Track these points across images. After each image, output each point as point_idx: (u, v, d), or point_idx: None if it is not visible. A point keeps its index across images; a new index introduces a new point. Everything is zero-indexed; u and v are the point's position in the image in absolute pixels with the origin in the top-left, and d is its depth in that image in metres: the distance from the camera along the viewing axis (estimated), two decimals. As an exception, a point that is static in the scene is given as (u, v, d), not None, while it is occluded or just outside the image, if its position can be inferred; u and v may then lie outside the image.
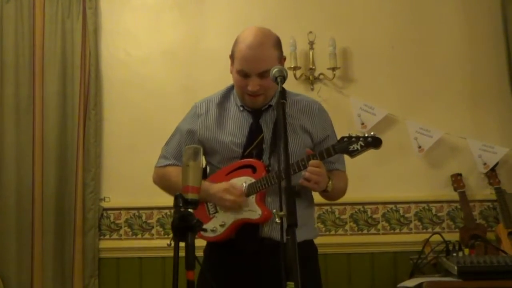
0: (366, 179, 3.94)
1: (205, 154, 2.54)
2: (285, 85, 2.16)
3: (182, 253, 1.74)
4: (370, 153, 4.03)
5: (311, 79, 4.01)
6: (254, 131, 2.43)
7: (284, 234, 1.78)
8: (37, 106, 4.01)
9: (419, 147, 3.90)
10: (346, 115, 3.96)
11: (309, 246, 2.48)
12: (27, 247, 3.93)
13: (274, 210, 1.83)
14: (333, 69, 3.94)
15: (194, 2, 4.16)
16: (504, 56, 3.92)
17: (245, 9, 4.11)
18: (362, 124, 3.93)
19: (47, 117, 4.00)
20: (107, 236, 4.04)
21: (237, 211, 2.37)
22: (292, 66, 3.89)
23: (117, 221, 4.06)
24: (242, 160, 2.41)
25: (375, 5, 4.08)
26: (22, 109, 4.01)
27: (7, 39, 4.04)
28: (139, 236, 4.04)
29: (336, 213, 3.97)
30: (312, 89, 4.02)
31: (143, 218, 4.04)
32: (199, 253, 2.32)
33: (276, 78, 2.16)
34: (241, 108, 2.47)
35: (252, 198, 2.37)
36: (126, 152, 4.07)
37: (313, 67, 4.00)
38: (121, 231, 4.05)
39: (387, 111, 3.94)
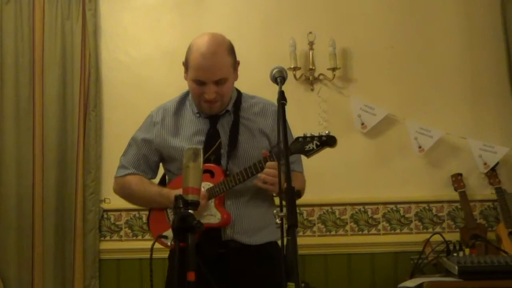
0: (366, 180, 3.94)
1: (162, 161, 2.56)
2: (285, 86, 2.14)
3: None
4: (370, 153, 4.06)
5: (311, 79, 4.01)
6: (211, 137, 2.44)
7: (284, 234, 1.78)
8: (37, 107, 4.01)
9: (419, 147, 3.90)
10: (346, 115, 3.96)
11: (273, 247, 2.47)
12: (27, 249, 3.93)
13: (275, 211, 1.82)
14: (333, 69, 3.94)
15: (193, 3, 4.16)
16: (504, 55, 3.92)
17: (245, 10, 4.11)
18: (362, 124, 3.93)
19: (47, 118, 4.00)
20: (108, 238, 4.04)
21: (197, 216, 2.37)
22: (292, 67, 3.89)
23: (118, 222, 4.06)
24: None
25: (375, 5, 4.08)
26: (22, 111, 4.01)
27: (7, 40, 4.04)
28: (140, 237, 4.04)
29: (337, 213, 3.97)
30: (312, 90, 4.02)
31: (144, 219, 4.03)
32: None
33: (276, 78, 2.16)
34: (198, 115, 2.49)
35: (211, 202, 2.39)
36: None
37: (313, 68, 4.00)
38: (122, 232, 4.05)
39: (387, 111, 3.94)
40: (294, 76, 3.95)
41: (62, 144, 4.00)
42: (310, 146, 2.30)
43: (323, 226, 3.96)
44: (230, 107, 2.48)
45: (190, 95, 2.52)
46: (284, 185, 1.84)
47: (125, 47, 4.16)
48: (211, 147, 2.42)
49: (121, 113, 4.09)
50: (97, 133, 4.04)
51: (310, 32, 3.99)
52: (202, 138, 2.45)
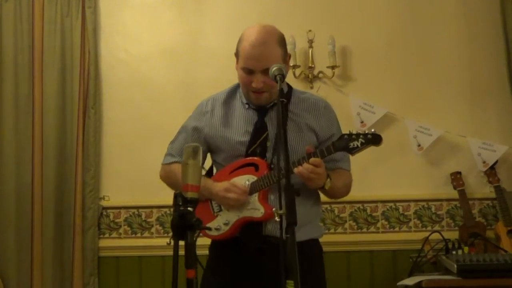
0: (366, 178, 3.93)
1: (210, 151, 2.55)
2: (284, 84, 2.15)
3: (181, 252, 1.74)
4: (370, 151, 4.03)
5: (310, 77, 4.01)
6: (259, 129, 2.43)
7: (284, 232, 1.78)
8: (36, 105, 4.01)
9: (419, 145, 3.90)
10: (346, 113, 3.94)
11: (313, 245, 2.47)
12: (26, 246, 3.93)
13: (274, 209, 1.82)
14: (333, 67, 3.94)
15: (193, 1, 4.16)
16: (503, 54, 3.91)
17: (244, 7, 4.10)
18: (362, 122, 3.93)
19: (47, 116, 4.00)
20: (107, 235, 4.04)
21: (240, 209, 2.38)
22: (291, 65, 3.88)
23: (117, 220, 4.06)
24: (245, 159, 2.42)
25: (374, 3, 4.08)
26: (22, 108, 4.01)
27: (6, 38, 4.04)
28: (139, 234, 4.04)
29: (336, 211, 3.97)
30: (312, 88, 4.01)
31: (143, 216, 4.04)
32: (202, 251, 2.33)
33: (275, 76, 2.17)
34: (247, 106, 2.47)
35: (255, 196, 2.37)
36: (126, 150, 4.07)
37: (313, 66, 4.00)
38: (121, 230, 4.05)
39: (386, 109, 3.94)
40: (294, 74, 3.95)
41: (61, 141, 4.00)
42: (355, 143, 2.28)
43: (322, 224, 3.96)
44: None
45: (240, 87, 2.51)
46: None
47: (125, 45, 4.15)
48: (258, 139, 2.42)
49: (121, 111, 4.10)
50: (96, 130, 4.04)
51: (310, 30, 3.99)
52: (250, 129, 2.44)
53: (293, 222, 1.75)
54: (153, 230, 4.04)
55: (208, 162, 2.59)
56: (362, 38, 4.05)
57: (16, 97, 4.01)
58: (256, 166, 2.39)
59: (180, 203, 1.79)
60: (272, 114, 2.45)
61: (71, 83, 4.02)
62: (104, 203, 4.05)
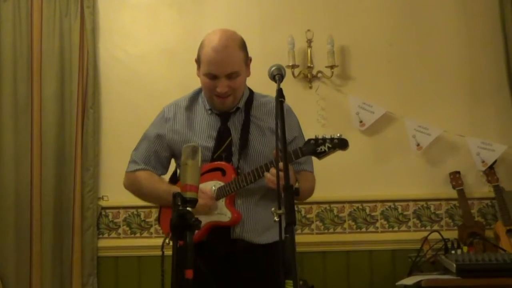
0: (365, 177, 3.94)
1: (174, 157, 2.56)
2: (283, 84, 2.15)
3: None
4: (369, 151, 4.07)
5: (309, 77, 4.01)
6: (223, 134, 2.45)
7: (282, 232, 1.78)
8: (35, 105, 4.01)
9: (418, 145, 3.90)
10: (345, 113, 3.96)
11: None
12: (25, 246, 3.93)
13: (273, 209, 1.82)
14: (332, 67, 3.93)
15: (191, 1, 4.15)
16: (502, 53, 3.91)
17: (243, 7, 4.10)
18: (361, 122, 3.93)
19: (45, 116, 4.00)
20: (106, 235, 4.04)
21: (207, 214, 2.38)
22: (290, 64, 3.89)
23: (116, 220, 4.05)
24: (212, 163, 2.43)
25: (373, 3, 4.08)
26: (20, 108, 4.00)
27: (5, 38, 4.03)
28: (138, 234, 4.04)
29: (335, 211, 3.97)
30: (311, 87, 4.01)
31: (142, 216, 4.04)
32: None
33: (274, 76, 2.17)
34: (209, 112, 2.49)
35: (222, 202, 2.40)
36: (125, 150, 4.00)
37: (311, 65, 4.00)
38: (120, 230, 4.05)
39: (385, 109, 3.94)
40: (293, 73, 3.95)
41: (60, 141, 3.99)
42: (322, 148, 2.31)
43: (321, 224, 3.96)
44: (241, 105, 2.48)
45: (203, 92, 2.52)
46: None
47: (123, 45, 4.15)
48: (222, 144, 2.43)
49: (119, 111, 4.09)
50: (95, 130, 4.04)
51: (309, 30, 3.98)
52: (214, 134, 2.45)
53: (293, 222, 1.75)
54: (152, 230, 4.03)
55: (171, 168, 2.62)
56: (361, 38, 4.05)
57: (15, 97, 4.00)
58: (223, 171, 2.41)
59: (179, 203, 1.78)
60: (234, 119, 2.48)
61: (69, 83, 4.02)
62: (103, 203, 4.05)
